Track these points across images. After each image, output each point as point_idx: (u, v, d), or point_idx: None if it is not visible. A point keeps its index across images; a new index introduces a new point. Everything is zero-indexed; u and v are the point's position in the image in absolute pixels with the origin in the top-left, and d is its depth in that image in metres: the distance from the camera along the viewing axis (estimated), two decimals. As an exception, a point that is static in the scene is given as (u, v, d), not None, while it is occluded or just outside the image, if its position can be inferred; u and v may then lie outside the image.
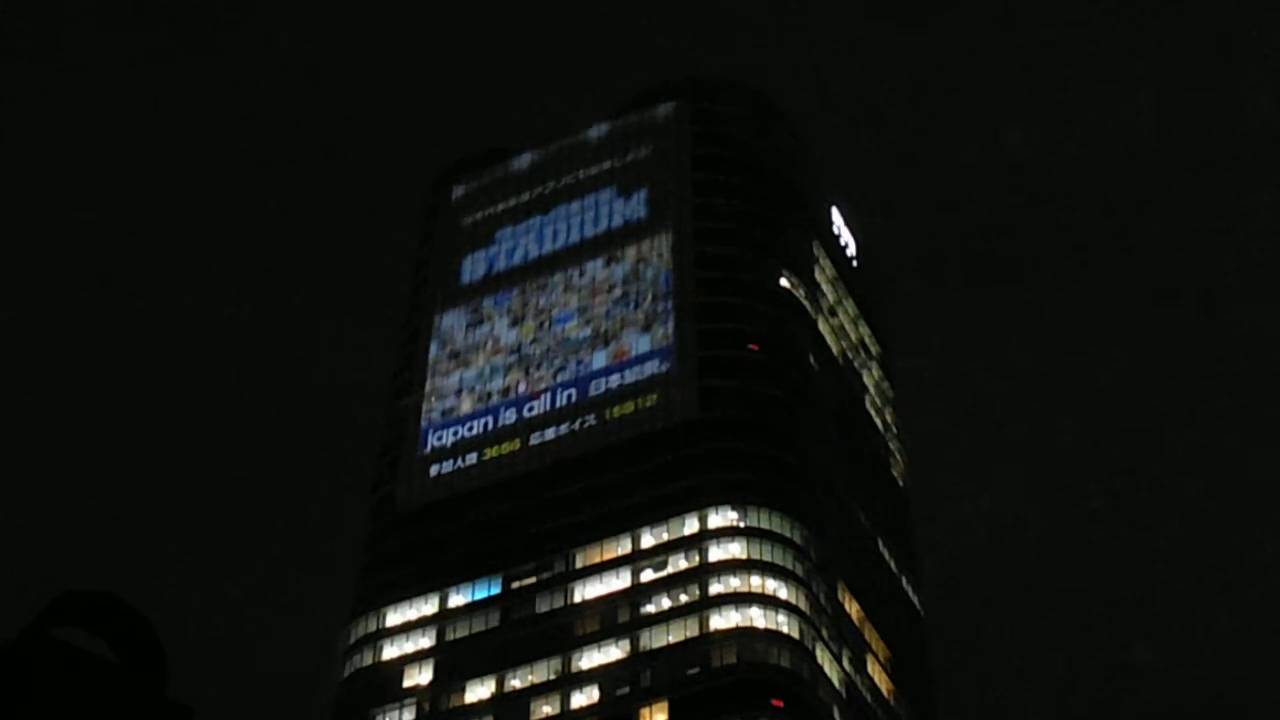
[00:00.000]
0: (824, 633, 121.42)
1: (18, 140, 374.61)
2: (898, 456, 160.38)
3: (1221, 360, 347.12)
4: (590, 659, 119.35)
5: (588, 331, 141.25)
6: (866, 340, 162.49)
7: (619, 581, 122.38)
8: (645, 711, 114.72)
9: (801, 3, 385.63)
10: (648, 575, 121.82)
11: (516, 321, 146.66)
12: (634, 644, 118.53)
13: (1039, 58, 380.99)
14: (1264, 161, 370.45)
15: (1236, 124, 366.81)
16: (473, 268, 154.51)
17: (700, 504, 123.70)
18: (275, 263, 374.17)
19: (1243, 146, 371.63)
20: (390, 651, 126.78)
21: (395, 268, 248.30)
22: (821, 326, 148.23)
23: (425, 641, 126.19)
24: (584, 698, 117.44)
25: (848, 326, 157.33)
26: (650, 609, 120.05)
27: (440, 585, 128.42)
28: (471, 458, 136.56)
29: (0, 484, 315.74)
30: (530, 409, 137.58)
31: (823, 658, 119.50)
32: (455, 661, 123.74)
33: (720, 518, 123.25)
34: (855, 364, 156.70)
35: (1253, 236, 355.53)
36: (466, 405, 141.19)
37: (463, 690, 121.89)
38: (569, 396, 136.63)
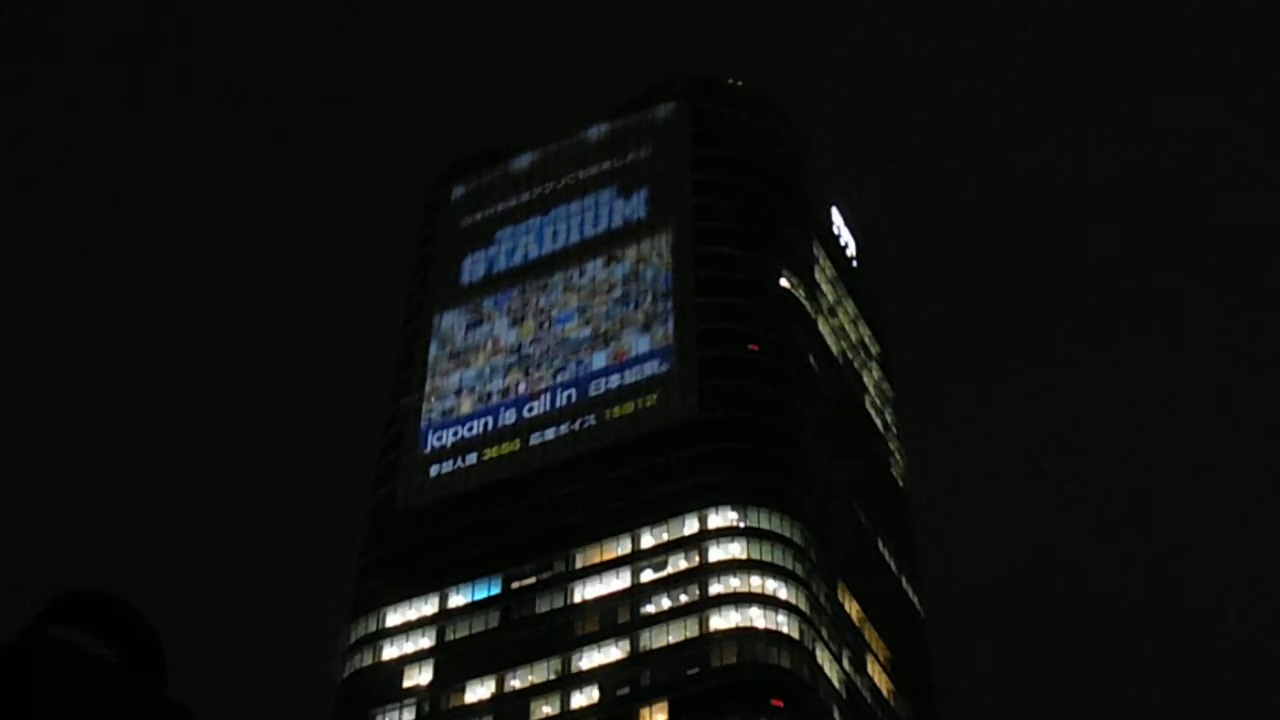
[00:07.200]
0: (824, 633, 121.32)
1: (16, 139, 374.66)
2: (898, 456, 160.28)
3: (1224, 365, 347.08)
4: (590, 659, 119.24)
5: (588, 332, 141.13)
6: (866, 340, 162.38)
7: (619, 582, 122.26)
8: (645, 711, 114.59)
9: (801, 3, 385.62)
10: (648, 575, 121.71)
11: (516, 321, 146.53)
12: (634, 644, 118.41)
13: (1040, 58, 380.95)
14: (1261, 171, 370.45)
15: (1233, 131, 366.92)
16: (473, 268, 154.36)
17: (700, 504, 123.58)
18: (276, 263, 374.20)
19: (1241, 153, 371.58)
20: (390, 651, 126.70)
21: (395, 268, 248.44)
22: (821, 326, 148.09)
23: (425, 641, 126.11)
24: (584, 698, 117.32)
25: (848, 326, 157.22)
26: (650, 609, 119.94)
27: (440, 585, 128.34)
28: (471, 458, 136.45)
29: (0, 484, 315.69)
30: (530, 409, 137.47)
31: (823, 658, 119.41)
32: (455, 661, 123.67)
33: (720, 518, 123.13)
34: (855, 364, 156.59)
35: (1255, 241, 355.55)
36: (466, 405, 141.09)
37: (463, 690, 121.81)
38: (569, 397, 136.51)
